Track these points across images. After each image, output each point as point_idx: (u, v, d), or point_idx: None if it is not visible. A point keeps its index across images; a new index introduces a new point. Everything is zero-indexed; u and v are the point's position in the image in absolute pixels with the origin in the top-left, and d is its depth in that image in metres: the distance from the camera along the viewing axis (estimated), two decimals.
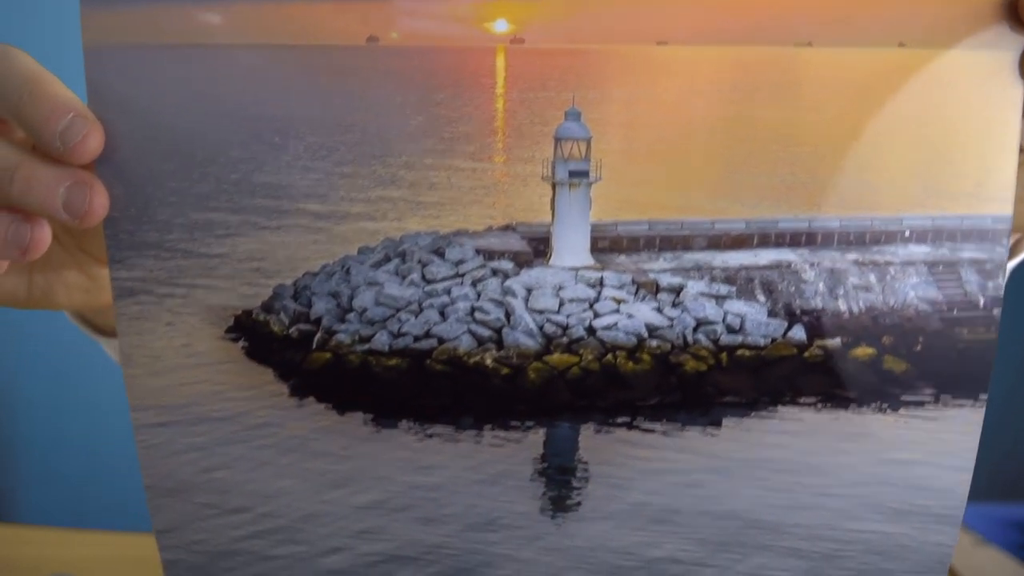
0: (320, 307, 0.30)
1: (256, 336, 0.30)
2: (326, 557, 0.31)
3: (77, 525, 0.74)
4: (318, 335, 0.30)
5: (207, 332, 0.30)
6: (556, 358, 0.30)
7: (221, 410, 0.31)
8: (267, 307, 0.30)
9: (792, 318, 0.30)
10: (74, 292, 0.36)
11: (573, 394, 0.30)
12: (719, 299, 0.30)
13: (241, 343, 0.30)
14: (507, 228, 0.29)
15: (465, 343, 0.30)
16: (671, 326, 0.30)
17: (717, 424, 0.31)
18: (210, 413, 0.31)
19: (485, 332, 0.29)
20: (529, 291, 0.29)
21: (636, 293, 0.30)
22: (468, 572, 0.31)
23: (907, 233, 0.30)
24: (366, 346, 0.30)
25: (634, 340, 0.30)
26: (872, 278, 0.29)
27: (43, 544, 0.70)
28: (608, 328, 0.30)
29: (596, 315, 0.30)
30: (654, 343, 0.30)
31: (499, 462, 0.31)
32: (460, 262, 0.29)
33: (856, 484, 0.31)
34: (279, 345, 0.30)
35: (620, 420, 0.31)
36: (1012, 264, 0.44)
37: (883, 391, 0.31)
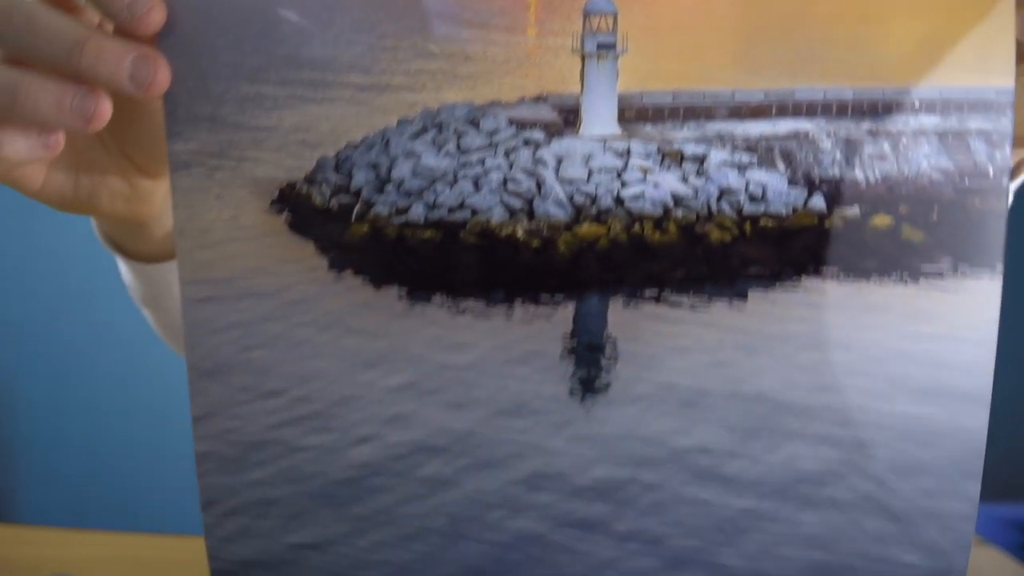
0: (360, 178, 0.31)
1: (299, 208, 0.32)
2: (355, 448, 0.32)
3: (77, 525, 0.73)
4: (357, 207, 0.32)
5: (254, 205, 0.31)
6: (585, 229, 0.32)
7: (263, 285, 0.32)
8: (310, 179, 0.32)
9: (811, 187, 0.32)
10: (116, 199, 0.39)
11: (602, 266, 0.32)
12: (741, 168, 0.32)
13: (285, 216, 0.32)
14: (539, 99, 0.31)
15: (497, 215, 0.31)
16: (695, 196, 0.32)
17: (743, 296, 0.32)
18: (252, 288, 0.32)
19: (517, 203, 0.31)
20: (559, 161, 0.31)
21: (662, 162, 0.31)
22: (496, 464, 0.31)
23: (916, 104, 0.32)
24: (403, 218, 0.31)
25: (660, 210, 0.32)
26: (886, 147, 0.31)
27: (43, 544, 0.71)
28: (635, 198, 0.31)
29: (623, 184, 0.31)
30: (679, 213, 0.32)
31: (529, 339, 0.32)
32: (494, 132, 0.31)
33: (881, 361, 0.32)
34: (320, 218, 0.32)
35: (648, 294, 0.32)
36: (1015, 185, 0.47)
37: (902, 261, 0.32)
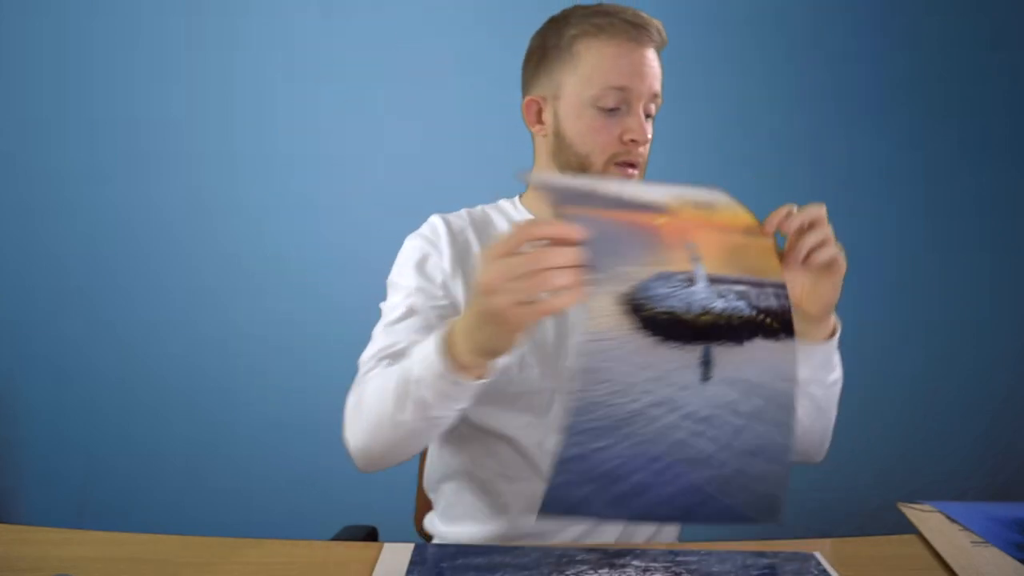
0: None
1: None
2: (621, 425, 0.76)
3: (77, 525, 0.75)
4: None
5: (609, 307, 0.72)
6: (704, 317, 0.79)
7: (609, 342, 0.75)
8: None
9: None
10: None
11: (710, 331, 0.80)
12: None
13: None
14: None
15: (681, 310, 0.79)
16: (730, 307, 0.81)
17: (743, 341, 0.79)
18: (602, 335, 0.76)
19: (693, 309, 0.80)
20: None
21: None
22: (674, 410, 0.76)
23: None
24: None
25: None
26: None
27: (43, 544, 0.72)
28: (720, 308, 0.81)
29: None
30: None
31: (687, 359, 0.77)
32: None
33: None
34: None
35: (723, 342, 0.81)
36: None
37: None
